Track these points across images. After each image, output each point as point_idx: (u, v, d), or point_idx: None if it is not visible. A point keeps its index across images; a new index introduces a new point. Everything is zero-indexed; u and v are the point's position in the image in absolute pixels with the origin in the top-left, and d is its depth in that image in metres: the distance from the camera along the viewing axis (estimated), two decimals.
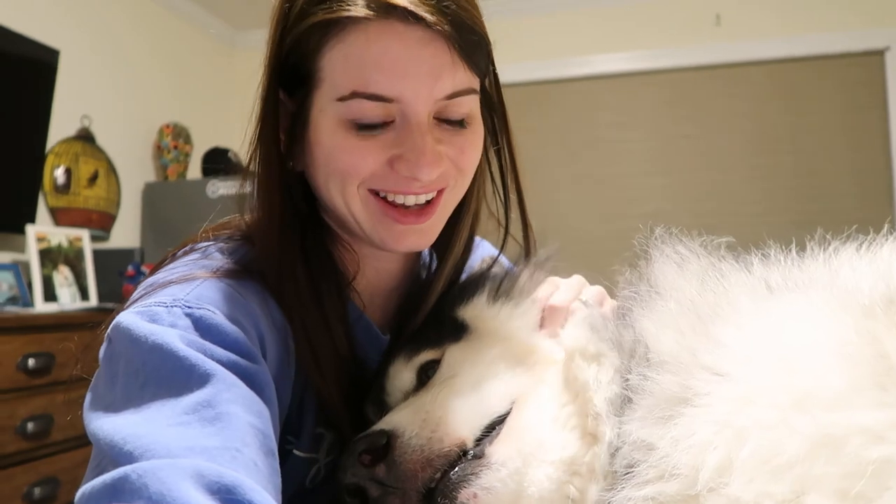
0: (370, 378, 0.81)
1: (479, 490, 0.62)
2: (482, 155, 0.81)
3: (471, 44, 0.70)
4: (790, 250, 0.66)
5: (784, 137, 3.70)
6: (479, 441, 0.67)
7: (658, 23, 3.85)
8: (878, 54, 3.62)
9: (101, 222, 3.31)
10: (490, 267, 0.89)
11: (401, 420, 0.68)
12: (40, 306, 2.66)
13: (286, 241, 0.76)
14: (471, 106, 0.75)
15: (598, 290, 0.83)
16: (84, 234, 3.00)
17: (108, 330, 0.64)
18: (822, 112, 3.66)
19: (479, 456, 0.65)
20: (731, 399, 0.53)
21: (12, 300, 2.65)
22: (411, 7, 0.66)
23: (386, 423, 0.69)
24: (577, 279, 0.84)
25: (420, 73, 0.68)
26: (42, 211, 3.01)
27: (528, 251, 0.91)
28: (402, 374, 0.78)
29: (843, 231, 0.65)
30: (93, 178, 3.25)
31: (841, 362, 0.51)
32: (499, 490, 0.62)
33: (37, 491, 2.15)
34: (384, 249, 0.79)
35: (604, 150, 3.93)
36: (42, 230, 2.83)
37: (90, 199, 3.24)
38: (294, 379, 0.75)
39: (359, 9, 0.67)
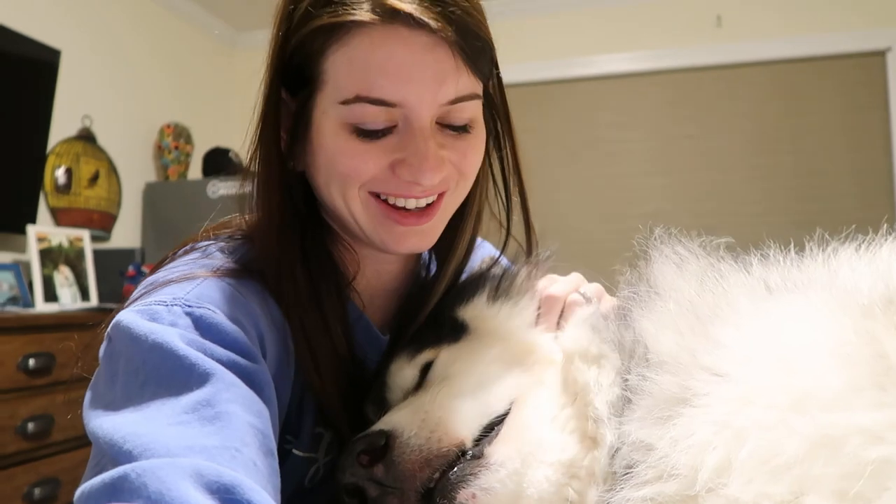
0: (369, 378, 0.81)
1: (477, 490, 0.62)
2: (485, 157, 0.81)
3: (475, 49, 0.70)
4: (789, 251, 0.66)
5: (785, 138, 3.70)
6: (478, 441, 0.67)
7: (659, 24, 3.85)
8: (880, 55, 3.61)
9: (102, 222, 3.32)
10: (490, 267, 0.89)
11: (400, 420, 0.68)
12: (41, 306, 2.67)
13: (286, 240, 0.75)
14: (474, 111, 0.75)
15: (595, 286, 0.83)
16: (85, 235, 3.01)
17: (109, 328, 0.64)
18: (822, 112, 3.66)
19: (477, 456, 0.64)
20: (730, 399, 0.53)
21: (13, 300, 2.65)
22: (416, 13, 0.66)
23: (385, 422, 0.69)
24: (575, 275, 0.85)
25: (424, 79, 0.68)
26: (43, 211, 3.01)
27: (529, 252, 0.91)
28: (405, 372, 0.78)
29: (843, 231, 0.65)
30: (93, 179, 3.25)
31: (840, 363, 0.51)
32: (497, 490, 0.62)
33: (37, 491, 2.15)
34: (385, 251, 0.79)
35: (604, 150, 3.93)
36: (43, 230, 2.84)
37: (91, 200, 3.24)
38: (294, 378, 0.75)
39: (364, 13, 0.66)
